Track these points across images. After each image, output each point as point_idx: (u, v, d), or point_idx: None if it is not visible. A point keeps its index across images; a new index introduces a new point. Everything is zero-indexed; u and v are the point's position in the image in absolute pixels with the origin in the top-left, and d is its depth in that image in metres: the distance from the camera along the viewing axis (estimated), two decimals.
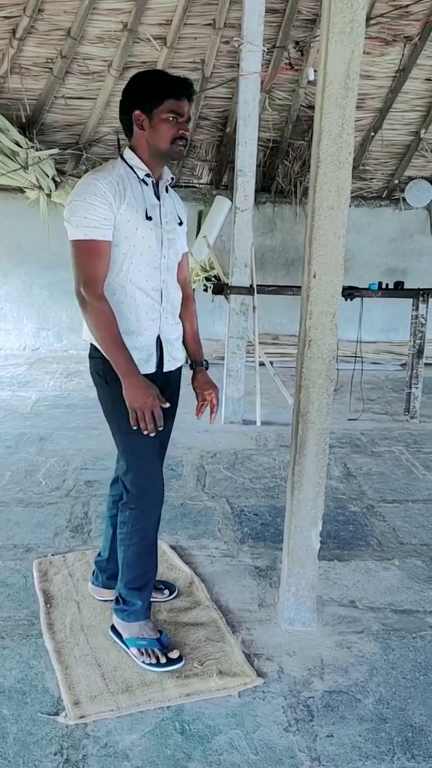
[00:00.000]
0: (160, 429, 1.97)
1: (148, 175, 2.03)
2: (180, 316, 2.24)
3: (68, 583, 2.56)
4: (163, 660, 2.09)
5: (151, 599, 2.40)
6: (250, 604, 2.47)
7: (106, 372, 2.01)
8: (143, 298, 2.04)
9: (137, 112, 1.98)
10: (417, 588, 2.62)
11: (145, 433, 1.96)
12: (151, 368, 2.07)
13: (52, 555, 2.77)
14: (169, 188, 2.14)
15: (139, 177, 2.02)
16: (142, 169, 2.02)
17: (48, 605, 2.41)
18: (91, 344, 2.07)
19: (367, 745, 1.83)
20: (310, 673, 2.11)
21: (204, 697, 1.98)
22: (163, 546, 2.86)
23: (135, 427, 1.96)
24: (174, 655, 2.11)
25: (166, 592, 2.49)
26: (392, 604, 2.50)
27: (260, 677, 2.07)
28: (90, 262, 1.94)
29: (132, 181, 2.00)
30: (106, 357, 1.97)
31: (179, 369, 2.24)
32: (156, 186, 2.06)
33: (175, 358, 2.18)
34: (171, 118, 1.96)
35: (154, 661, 2.10)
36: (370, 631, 2.33)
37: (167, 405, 1.99)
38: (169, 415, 2.25)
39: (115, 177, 1.97)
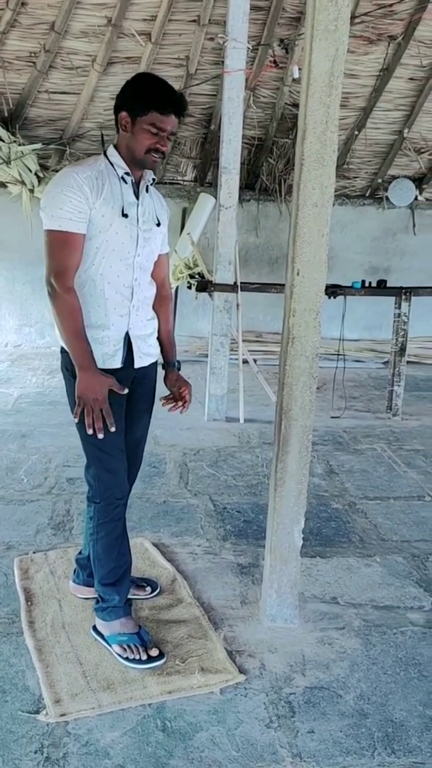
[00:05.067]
0: (112, 430, 1.98)
1: (127, 174, 2.04)
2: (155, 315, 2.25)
3: (50, 581, 2.54)
4: (144, 657, 2.10)
5: (134, 596, 2.41)
6: (233, 601, 2.48)
7: (74, 367, 2.02)
8: (113, 294, 2.05)
9: (123, 113, 1.99)
10: (398, 584, 2.64)
11: (90, 432, 1.97)
12: (117, 363, 2.08)
13: (34, 552, 2.76)
14: (151, 189, 2.13)
15: (118, 174, 2.02)
16: (121, 168, 2.03)
17: (29, 603, 2.40)
18: None
19: (348, 740, 1.84)
20: (291, 670, 2.12)
21: (186, 694, 1.98)
22: (145, 543, 2.86)
23: (77, 420, 1.99)
24: (154, 653, 2.11)
25: (148, 589, 2.49)
26: (373, 600, 2.52)
27: (242, 674, 2.07)
28: (62, 253, 1.96)
29: (111, 177, 2.01)
30: (66, 348, 2.00)
31: (154, 366, 2.25)
32: (136, 185, 2.06)
33: (147, 354, 2.18)
34: (152, 130, 1.96)
35: (136, 657, 2.10)
36: (352, 627, 2.35)
37: (125, 391, 2.02)
38: (145, 410, 2.27)
39: (95, 171, 1.98)
